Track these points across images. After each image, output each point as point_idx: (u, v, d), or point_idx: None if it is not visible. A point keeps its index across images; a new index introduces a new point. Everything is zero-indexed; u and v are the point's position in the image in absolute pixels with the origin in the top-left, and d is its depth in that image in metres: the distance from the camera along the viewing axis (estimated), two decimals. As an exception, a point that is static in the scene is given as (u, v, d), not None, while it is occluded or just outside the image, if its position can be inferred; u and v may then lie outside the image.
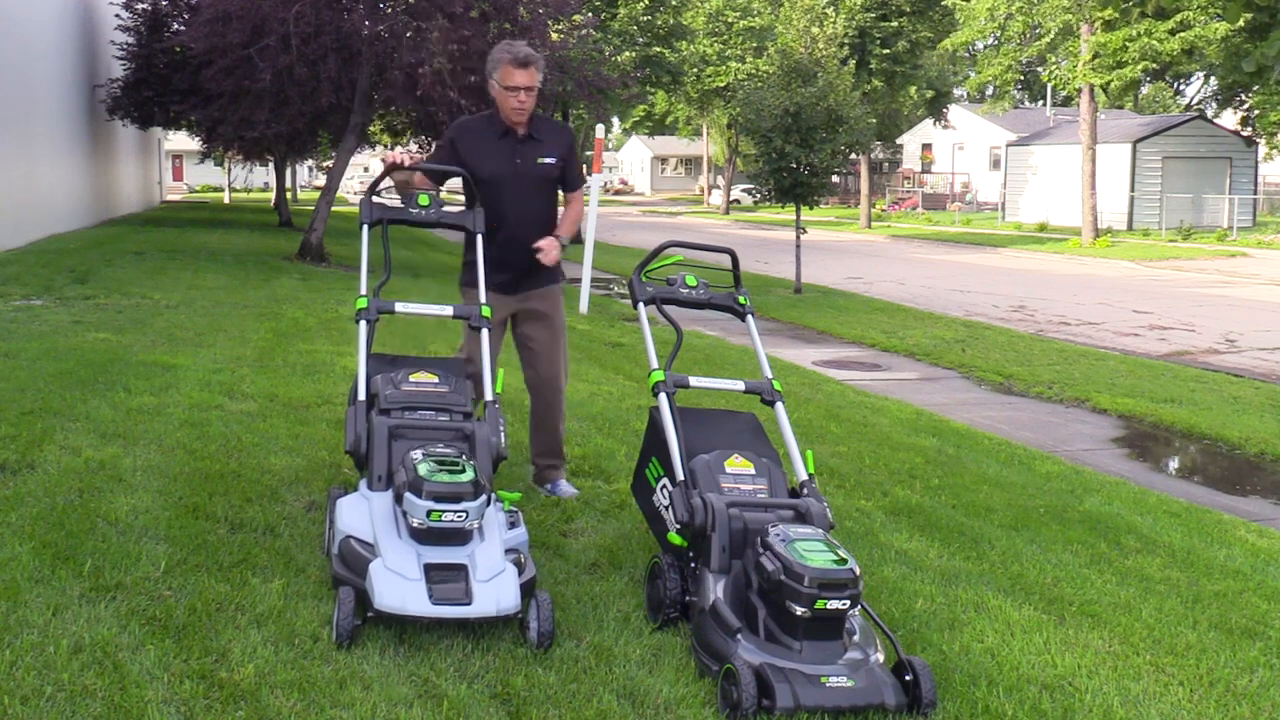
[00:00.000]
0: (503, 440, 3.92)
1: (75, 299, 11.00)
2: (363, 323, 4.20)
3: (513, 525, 3.77)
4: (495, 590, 3.40)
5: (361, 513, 3.66)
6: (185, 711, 2.91)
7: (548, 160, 4.82)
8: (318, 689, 3.06)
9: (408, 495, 3.47)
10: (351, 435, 3.87)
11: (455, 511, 3.44)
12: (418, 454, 3.60)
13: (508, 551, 3.60)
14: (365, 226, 4.48)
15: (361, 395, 4.01)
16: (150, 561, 3.84)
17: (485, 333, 4.29)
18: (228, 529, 4.26)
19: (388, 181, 4.74)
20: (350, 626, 3.33)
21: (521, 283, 4.86)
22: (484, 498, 3.52)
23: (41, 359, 7.46)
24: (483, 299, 4.43)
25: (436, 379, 4.09)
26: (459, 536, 3.50)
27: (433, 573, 3.41)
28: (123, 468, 4.94)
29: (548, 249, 4.73)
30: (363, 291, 4.31)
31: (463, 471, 3.51)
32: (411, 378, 4.07)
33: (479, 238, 4.57)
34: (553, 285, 4.97)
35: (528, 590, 3.52)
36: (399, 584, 3.36)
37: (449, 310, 4.33)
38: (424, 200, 4.47)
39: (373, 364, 4.19)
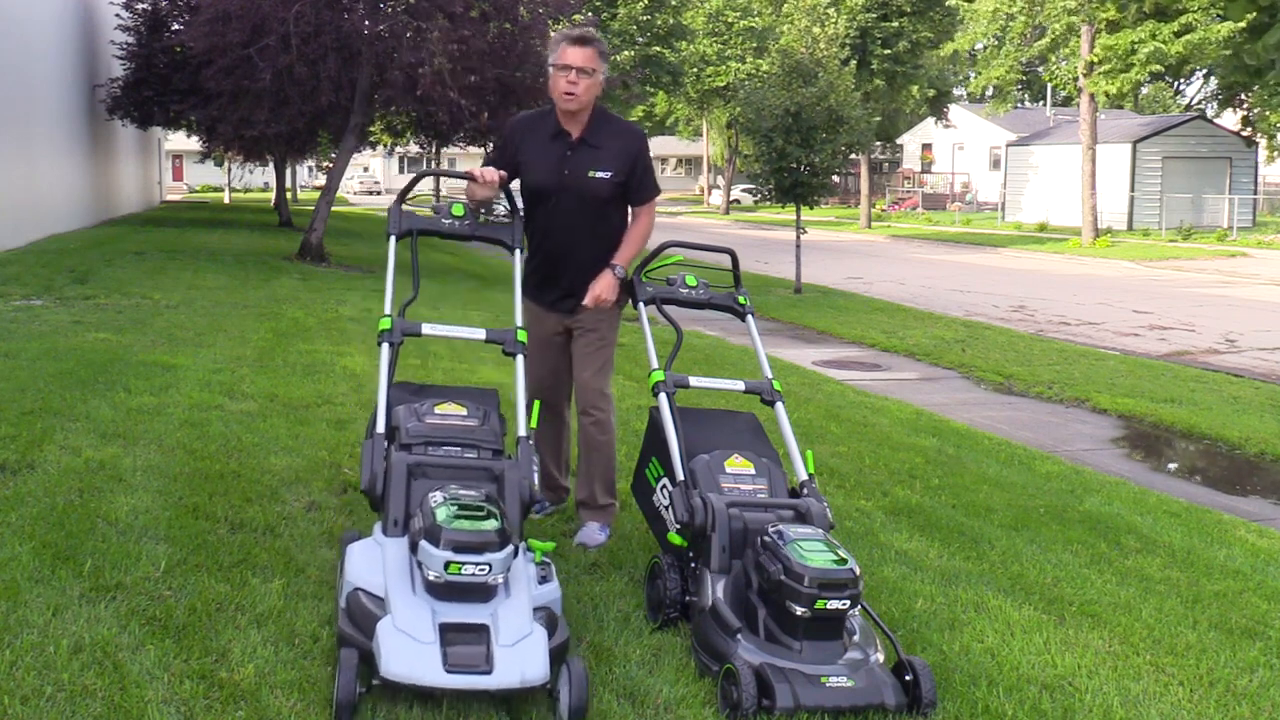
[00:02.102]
0: (535, 481, 3.52)
1: (75, 299, 11.00)
2: (385, 345, 3.77)
3: (544, 579, 3.31)
4: (520, 657, 2.97)
5: (373, 562, 3.23)
6: (185, 711, 2.91)
7: (601, 174, 4.27)
8: (318, 689, 3.06)
9: (423, 544, 3.06)
10: (368, 473, 3.43)
11: (477, 564, 3.02)
12: (438, 496, 3.20)
13: (537, 610, 3.15)
14: (393, 238, 4.05)
15: (380, 427, 3.58)
16: (150, 561, 3.84)
17: (520, 359, 3.88)
18: (228, 529, 4.26)
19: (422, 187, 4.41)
20: (351, 696, 2.87)
21: (567, 300, 4.44)
22: (510, 548, 3.10)
23: (41, 359, 7.46)
24: (518, 320, 4.01)
25: (465, 411, 3.67)
26: (480, 592, 3.08)
27: (449, 634, 2.98)
28: (123, 468, 4.93)
29: (597, 292, 4.29)
30: (387, 310, 3.89)
31: (487, 518, 3.11)
32: (437, 409, 3.64)
33: (518, 254, 4.20)
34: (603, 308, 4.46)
35: (558, 656, 3.07)
36: (409, 648, 2.93)
37: (481, 334, 3.91)
38: (458, 210, 4.07)
39: (395, 393, 3.76)
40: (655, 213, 4.54)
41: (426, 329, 3.83)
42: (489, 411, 3.72)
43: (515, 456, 3.57)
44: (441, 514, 3.09)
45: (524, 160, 4.32)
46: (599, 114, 4.32)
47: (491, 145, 28.40)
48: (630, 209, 4.46)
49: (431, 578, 3.04)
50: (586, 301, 4.33)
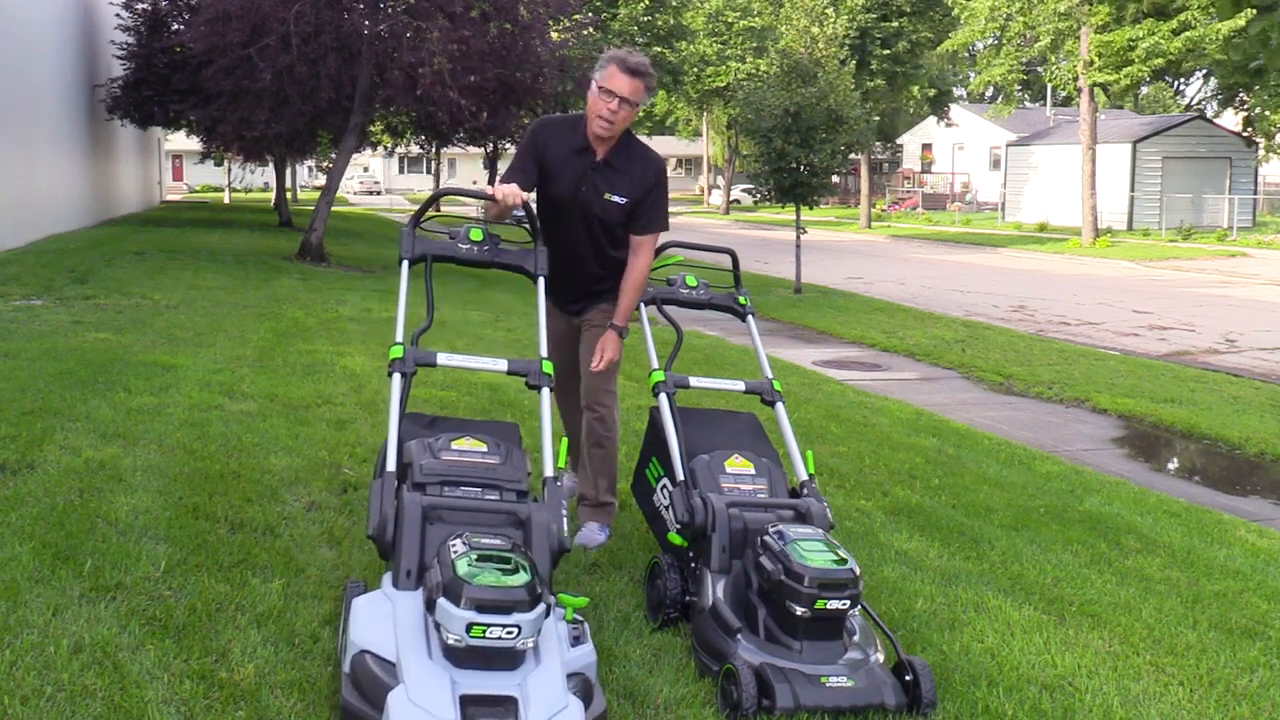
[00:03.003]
0: (565, 527, 3.17)
1: (75, 299, 11.01)
2: (396, 376, 3.49)
3: (577, 641, 2.97)
4: None
5: (382, 620, 2.86)
6: (185, 711, 2.91)
7: (615, 199, 4.25)
8: (318, 689, 3.06)
9: (442, 602, 2.71)
10: (376, 517, 3.14)
11: (504, 626, 2.68)
12: (458, 545, 2.85)
13: (570, 677, 2.81)
14: (405, 263, 3.80)
15: (391, 465, 3.28)
16: (150, 561, 3.84)
17: (546, 393, 3.60)
18: (228, 529, 4.26)
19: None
20: None
21: (574, 304, 4.51)
22: (541, 607, 2.75)
23: (41, 359, 7.46)
24: (543, 350, 3.71)
25: (485, 447, 3.37)
26: (507, 659, 2.73)
27: (471, 709, 2.63)
28: (123, 468, 4.94)
29: (608, 355, 4.30)
30: (398, 338, 3.62)
31: (515, 571, 2.76)
32: (454, 444, 3.34)
33: (542, 281, 3.93)
34: (610, 305, 4.45)
35: None
36: None
37: (503, 365, 3.61)
38: (476, 235, 3.82)
39: (406, 426, 3.51)
40: (654, 253, 4.41)
41: (442, 359, 3.58)
42: (511, 448, 3.43)
43: (542, 498, 3.28)
44: (462, 566, 2.75)
45: (549, 165, 4.28)
46: (626, 137, 4.29)
47: (491, 145, 28.50)
48: (631, 238, 4.34)
49: (451, 641, 2.70)
50: (596, 367, 4.34)
